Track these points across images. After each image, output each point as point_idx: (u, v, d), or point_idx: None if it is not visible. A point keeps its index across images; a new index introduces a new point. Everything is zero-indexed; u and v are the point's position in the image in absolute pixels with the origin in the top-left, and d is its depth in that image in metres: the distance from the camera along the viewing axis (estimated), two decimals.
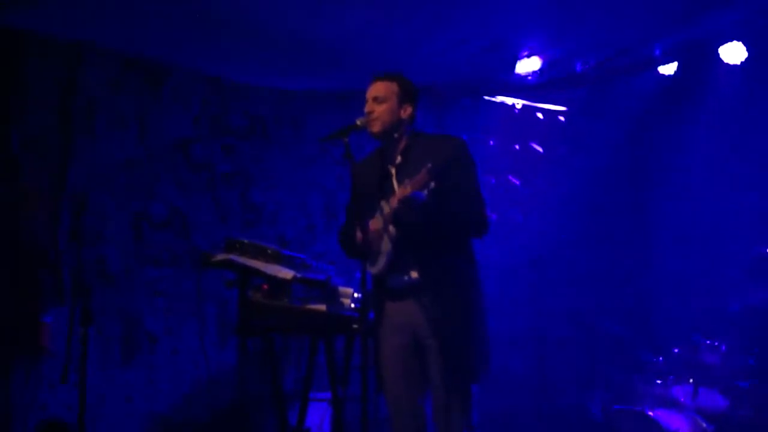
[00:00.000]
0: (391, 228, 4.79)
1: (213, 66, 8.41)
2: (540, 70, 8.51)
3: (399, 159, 5.00)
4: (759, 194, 9.15)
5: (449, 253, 4.91)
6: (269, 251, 6.04)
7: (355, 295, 6.17)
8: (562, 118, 10.58)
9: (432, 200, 4.55)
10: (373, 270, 4.95)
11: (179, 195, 8.28)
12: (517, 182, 10.41)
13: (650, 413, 7.34)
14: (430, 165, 4.44)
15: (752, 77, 8.98)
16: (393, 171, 5.01)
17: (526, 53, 8.14)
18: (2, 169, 7.09)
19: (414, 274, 4.88)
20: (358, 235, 4.84)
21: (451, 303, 4.83)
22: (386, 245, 4.84)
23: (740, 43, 8.59)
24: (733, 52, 8.67)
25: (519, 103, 10.33)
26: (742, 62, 8.74)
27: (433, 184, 4.47)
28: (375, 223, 4.86)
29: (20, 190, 7.07)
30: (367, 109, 4.98)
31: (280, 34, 7.23)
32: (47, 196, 7.37)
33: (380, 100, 4.96)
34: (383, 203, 4.86)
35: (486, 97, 10.11)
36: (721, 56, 8.75)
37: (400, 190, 4.60)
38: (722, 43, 8.56)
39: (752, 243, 8.28)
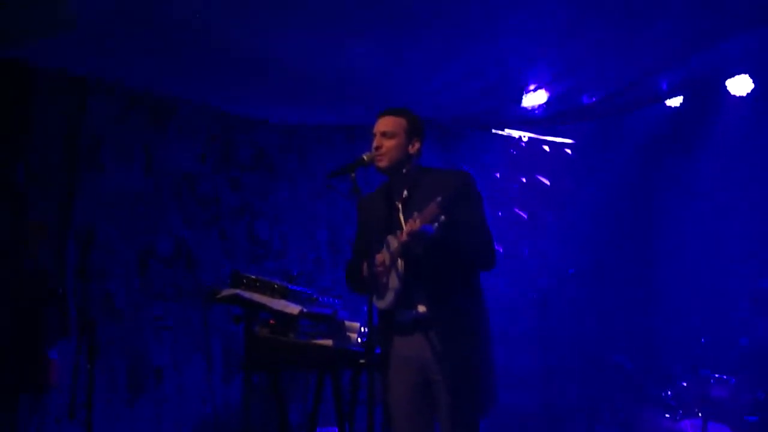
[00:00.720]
0: (400, 262, 4.77)
1: (219, 100, 8.42)
2: (546, 103, 8.49)
3: (405, 193, 4.99)
4: (764, 224, 9.16)
5: (457, 287, 4.89)
6: (276, 286, 6.03)
7: (362, 329, 6.15)
8: (568, 151, 10.60)
9: (441, 234, 4.53)
10: (381, 305, 4.91)
11: (185, 229, 8.28)
12: (524, 215, 10.41)
13: None
14: (440, 198, 4.42)
15: (759, 108, 9.01)
16: (400, 206, 4.99)
17: (532, 87, 8.13)
18: (8, 203, 7.10)
19: (422, 309, 4.84)
20: (365, 269, 4.83)
21: (458, 337, 4.81)
22: (394, 280, 4.81)
23: (746, 75, 8.61)
24: (740, 85, 8.69)
25: (525, 135, 10.34)
26: (748, 94, 8.77)
27: (443, 217, 4.45)
28: (381, 258, 4.84)
29: (26, 224, 7.08)
30: (375, 144, 4.97)
31: (287, 68, 7.25)
32: (53, 230, 7.36)
33: (389, 135, 4.96)
34: (390, 238, 4.84)
35: (493, 130, 10.12)
36: (728, 88, 8.77)
37: (409, 223, 4.57)
38: (729, 76, 8.58)
39: (758, 276, 8.27)
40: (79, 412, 6.36)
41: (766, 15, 6.67)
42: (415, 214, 4.53)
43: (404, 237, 4.61)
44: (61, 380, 6.52)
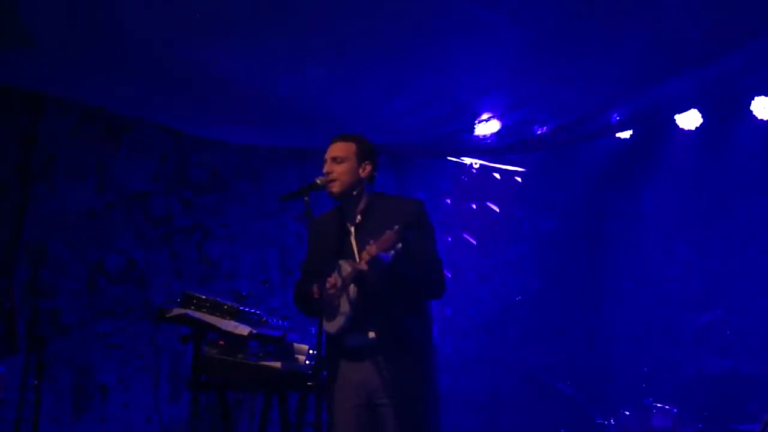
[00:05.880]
0: (352, 287, 4.80)
1: (173, 119, 8.41)
2: (499, 132, 8.55)
3: (359, 218, 5.03)
4: (707, 258, 9.28)
5: (407, 314, 4.93)
6: (225, 307, 6.02)
7: (311, 352, 6.16)
8: (518, 179, 10.67)
9: (396, 262, 4.57)
10: (330, 329, 4.91)
11: (136, 248, 8.26)
12: (473, 241, 10.47)
13: None
14: (397, 227, 4.47)
15: (708, 143, 9.15)
16: (352, 230, 5.04)
17: (485, 117, 8.19)
18: None
19: (372, 335, 4.88)
20: (315, 292, 4.85)
21: (407, 363, 4.84)
22: (345, 304, 4.82)
23: (695, 110, 8.74)
24: (689, 119, 8.83)
25: (476, 162, 10.40)
26: (697, 128, 8.91)
27: (400, 246, 4.49)
28: (333, 281, 4.86)
29: None
30: (326, 169, 5.01)
31: (242, 91, 7.28)
32: (3, 245, 7.33)
33: (339, 160, 5.00)
34: (342, 262, 4.87)
35: (445, 157, 10.17)
36: (677, 123, 8.91)
37: (367, 249, 4.60)
38: (678, 111, 8.69)
39: (703, 308, 8.37)
40: (25, 427, 6.34)
41: (713, 54, 6.79)
42: (371, 240, 4.57)
43: (362, 263, 4.64)
44: (8, 395, 6.49)
